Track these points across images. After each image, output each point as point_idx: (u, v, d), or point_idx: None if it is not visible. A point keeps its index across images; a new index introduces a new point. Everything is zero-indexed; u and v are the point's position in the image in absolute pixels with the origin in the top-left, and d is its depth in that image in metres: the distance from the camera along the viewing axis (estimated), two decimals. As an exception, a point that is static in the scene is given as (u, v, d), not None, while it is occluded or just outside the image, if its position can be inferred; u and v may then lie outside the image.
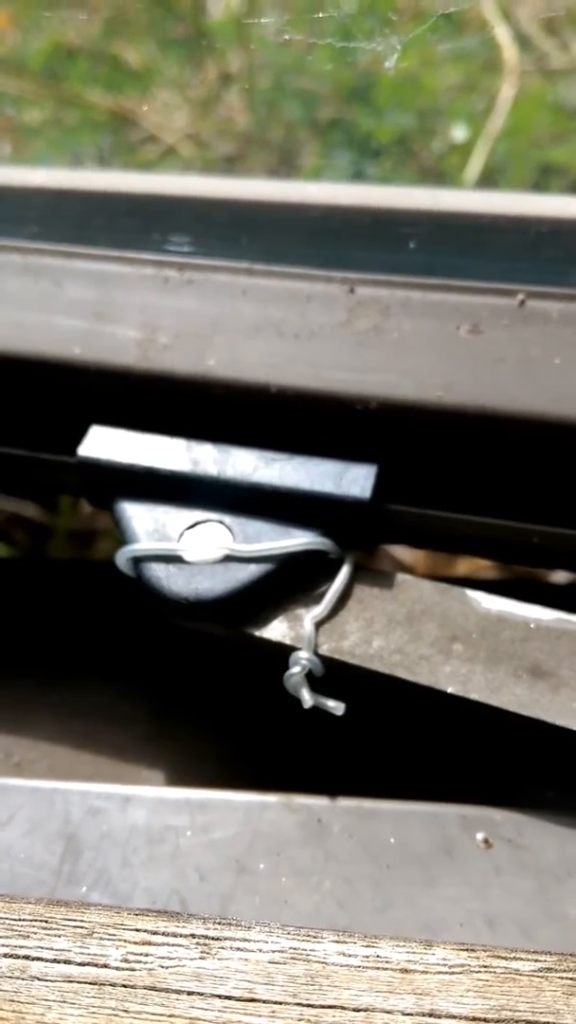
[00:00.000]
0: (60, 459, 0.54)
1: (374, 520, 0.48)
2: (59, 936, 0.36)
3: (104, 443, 0.50)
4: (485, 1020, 0.33)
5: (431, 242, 0.57)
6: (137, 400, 0.51)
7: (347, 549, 0.48)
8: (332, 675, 0.46)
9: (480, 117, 1.02)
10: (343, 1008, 0.34)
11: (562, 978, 0.34)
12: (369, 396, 0.48)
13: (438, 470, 0.49)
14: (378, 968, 0.35)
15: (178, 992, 0.34)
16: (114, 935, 0.36)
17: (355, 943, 0.36)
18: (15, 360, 0.52)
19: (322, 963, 0.35)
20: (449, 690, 0.44)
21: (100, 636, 0.61)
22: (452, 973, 0.35)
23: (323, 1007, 0.34)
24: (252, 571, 0.47)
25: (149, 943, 0.36)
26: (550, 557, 0.54)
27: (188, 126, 1.12)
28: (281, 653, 0.46)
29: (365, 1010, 0.34)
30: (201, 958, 0.35)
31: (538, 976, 0.35)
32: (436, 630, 0.46)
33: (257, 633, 0.47)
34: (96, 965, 0.35)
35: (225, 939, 0.36)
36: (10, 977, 0.35)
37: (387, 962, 0.35)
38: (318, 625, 0.46)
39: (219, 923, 0.36)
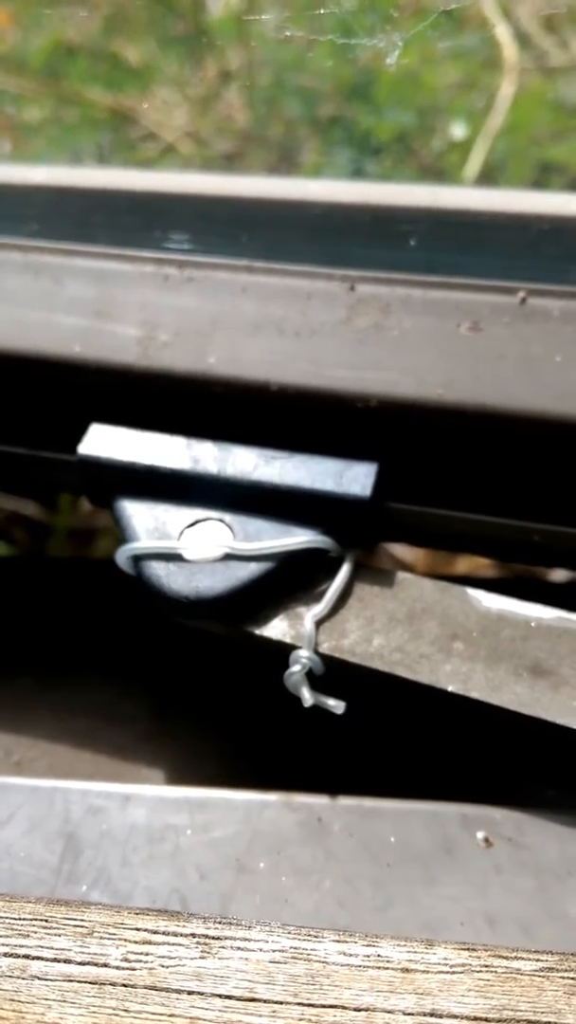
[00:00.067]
0: (60, 457, 0.54)
1: (374, 518, 0.48)
2: (59, 935, 0.36)
3: (104, 441, 0.50)
4: (486, 1020, 0.33)
5: (431, 239, 0.57)
6: (137, 398, 0.51)
7: (347, 547, 0.48)
8: (332, 674, 0.46)
9: (480, 115, 1.02)
10: (344, 1008, 0.34)
11: (563, 978, 0.34)
12: (369, 394, 0.48)
13: (439, 468, 0.49)
14: (379, 968, 0.35)
15: (178, 992, 0.34)
16: (114, 934, 0.36)
17: (356, 942, 0.36)
18: (15, 358, 0.52)
19: (323, 962, 0.35)
20: (449, 688, 0.44)
21: (100, 634, 0.61)
22: (453, 973, 0.35)
23: (324, 1007, 0.34)
24: (252, 569, 0.47)
25: (149, 942, 0.36)
26: (550, 555, 0.54)
27: (188, 124, 1.12)
28: (281, 651, 0.46)
29: (366, 1010, 0.34)
30: (201, 957, 0.35)
31: (539, 976, 0.34)
32: (436, 628, 0.46)
33: (257, 631, 0.47)
34: (96, 964, 0.35)
35: (226, 938, 0.36)
36: (10, 976, 0.35)
37: (388, 961, 0.35)
38: (318, 623, 0.46)
39: (219, 922, 0.36)
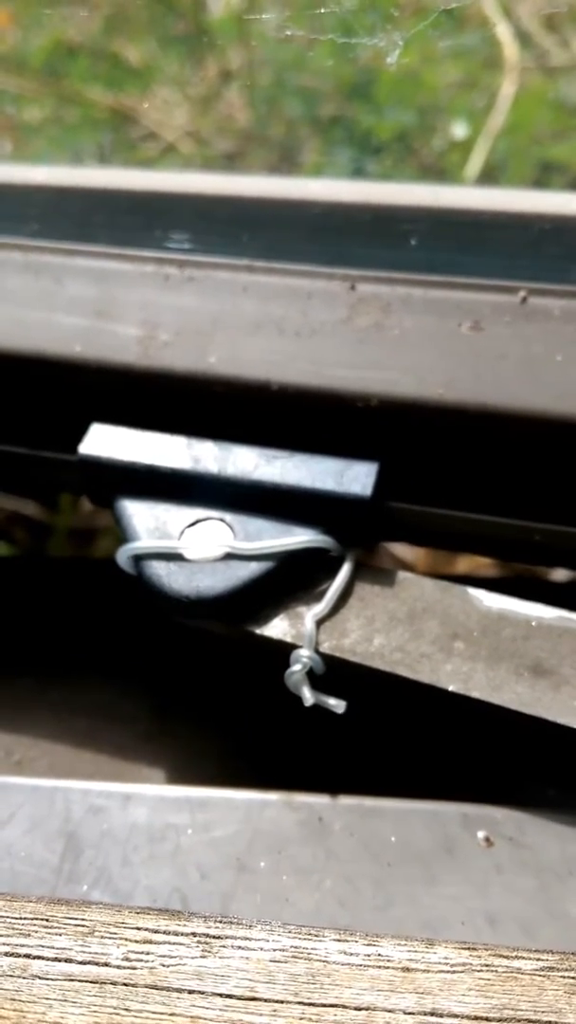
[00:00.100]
0: (61, 457, 0.54)
1: (375, 518, 0.48)
2: (60, 935, 0.36)
3: (105, 441, 0.50)
4: (487, 1019, 0.33)
5: (432, 239, 0.57)
6: (138, 398, 0.51)
7: (348, 547, 0.48)
8: (333, 673, 0.46)
9: (481, 114, 1.02)
10: (344, 1007, 0.34)
11: (564, 977, 0.34)
12: (370, 393, 0.48)
13: (439, 468, 0.49)
14: (380, 967, 0.35)
15: (179, 991, 0.34)
16: (115, 934, 0.36)
17: (356, 942, 0.36)
18: (16, 358, 0.52)
19: (323, 962, 0.35)
20: (450, 688, 0.44)
21: (100, 634, 0.61)
22: (454, 972, 0.35)
23: (324, 1006, 0.34)
24: (253, 569, 0.47)
25: (150, 941, 0.36)
26: (551, 555, 0.54)
27: (188, 123, 1.12)
28: (282, 651, 0.46)
29: (367, 1009, 0.34)
30: (202, 957, 0.35)
31: (540, 975, 0.34)
32: (437, 628, 0.46)
33: (258, 631, 0.47)
34: (97, 964, 0.35)
35: (226, 937, 0.36)
36: (11, 976, 0.35)
37: (389, 961, 0.35)
38: (319, 623, 0.46)
39: (220, 922, 0.36)
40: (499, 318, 0.49)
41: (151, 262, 0.54)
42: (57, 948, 0.36)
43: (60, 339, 0.52)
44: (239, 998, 0.34)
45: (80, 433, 0.50)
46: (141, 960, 0.35)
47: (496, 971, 0.35)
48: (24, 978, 0.35)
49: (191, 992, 0.34)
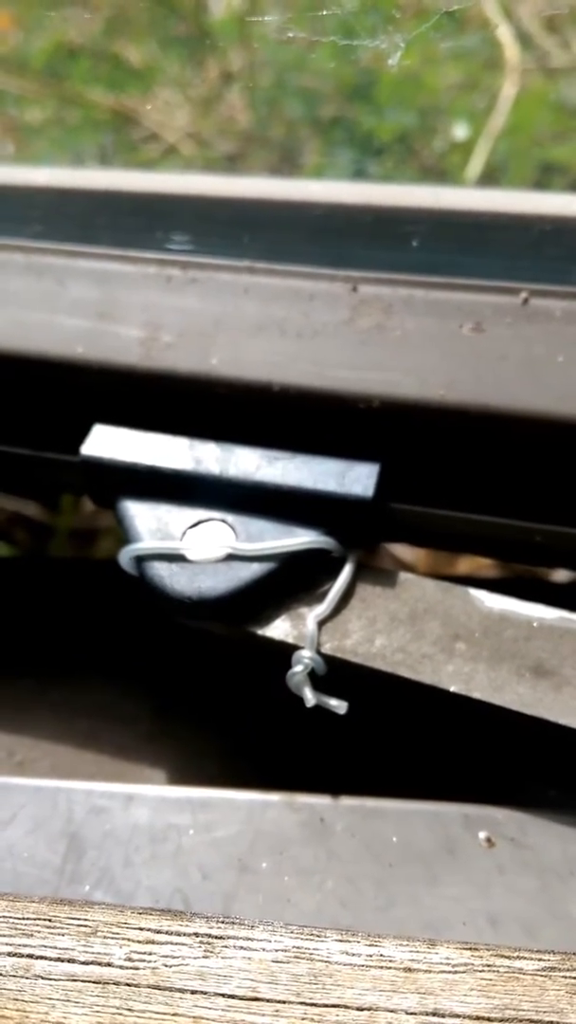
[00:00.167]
0: (63, 458, 0.54)
1: (377, 519, 0.48)
2: (63, 935, 0.36)
3: (107, 442, 0.50)
4: (489, 1019, 0.33)
5: (433, 240, 0.57)
6: (140, 399, 0.51)
7: (350, 548, 0.48)
8: (335, 674, 0.46)
9: (481, 115, 1.02)
10: (347, 1007, 0.34)
11: (566, 977, 0.34)
12: (372, 394, 0.48)
13: (441, 469, 0.49)
14: (381, 967, 0.35)
15: (182, 991, 0.34)
16: (118, 934, 0.36)
17: (358, 942, 0.36)
18: (18, 359, 0.52)
19: (325, 962, 0.35)
20: (452, 689, 0.44)
21: (102, 635, 0.61)
22: (455, 972, 0.35)
23: (327, 1006, 0.34)
24: (255, 570, 0.47)
25: (152, 942, 0.36)
26: (552, 556, 0.54)
27: (190, 125, 1.12)
28: (284, 652, 0.46)
29: (369, 1009, 0.34)
30: (204, 957, 0.35)
31: (542, 975, 0.35)
32: (439, 629, 0.46)
33: (260, 632, 0.47)
34: (100, 964, 0.35)
35: (228, 938, 0.36)
36: (14, 976, 0.35)
37: (390, 961, 0.35)
38: (321, 624, 0.46)
39: (222, 922, 0.36)
40: (500, 319, 0.49)
41: (153, 264, 0.54)
42: (60, 948, 0.36)
43: (62, 340, 0.52)
44: (241, 998, 0.34)
45: (82, 434, 0.50)
46: (144, 960, 0.35)
47: (498, 971, 0.35)
48: (27, 978, 0.35)
49: (193, 992, 0.34)
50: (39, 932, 0.36)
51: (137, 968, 0.35)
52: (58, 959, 0.35)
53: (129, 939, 0.36)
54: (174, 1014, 0.34)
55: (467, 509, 0.51)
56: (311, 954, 0.35)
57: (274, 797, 0.46)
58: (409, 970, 0.35)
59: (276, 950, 0.35)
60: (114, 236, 0.59)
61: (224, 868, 0.44)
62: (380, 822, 0.45)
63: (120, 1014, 0.34)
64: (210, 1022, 0.33)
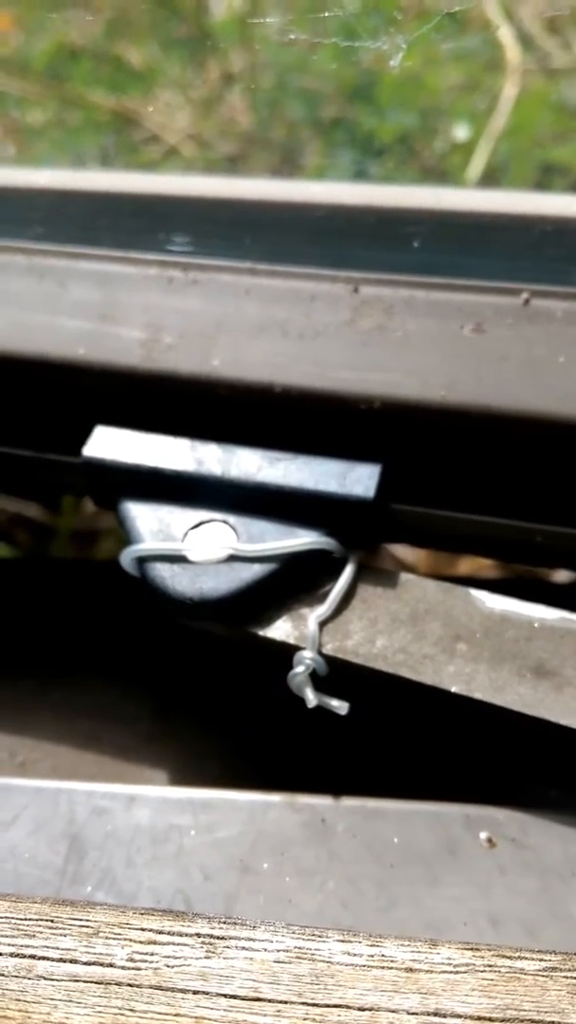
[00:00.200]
0: (65, 459, 0.54)
1: (378, 519, 0.48)
2: (65, 935, 0.36)
3: (109, 443, 0.50)
4: (490, 1019, 0.33)
5: (434, 241, 0.57)
6: (141, 400, 0.51)
7: (351, 548, 0.48)
8: (336, 674, 0.46)
9: (482, 116, 1.02)
10: (348, 1007, 0.34)
11: (567, 977, 0.34)
12: (373, 395, 0.48)
13: (442, 469, 0.49)
14: (383, 967, 0.35)
15: (184, 991, 0.34)
16: (119, 934, 0.36)
17: (360, 942, 0.36)
18: (20, 361, 0.52)
19: (327, 962, 0.35)
20: (453, 689, 0.44)
21: (103, 636, 0.61)
22: (457, 972, 0.35)
23: (328, 1006, 0.34)
24: (256, 571, 0.47)
25: (154, 942, 0.36)
26: (553, 556, 0.54)
27: (191, 126, 1.12)
28: (285, 652, 0.46)
29: (370, 1009, 0.34)
30: (206, 957, 0.35)
31: (543, 975, 0.35)
32: (440, 629, 0.46)
33: (261, 633, 0.47)
34: (102, 964, 0.35)
35: (230, 938, 0.36)
36: (16, 976, 0.35)
37: (392, 961, 0.35)
38: (322, 624, 0.46)
39: (224, 922, 0.37)
40: (501, 320, 0.49)
41: (154, 265, 0.54)
42: (62, 949, 0.36)
43: (64, 342, 0.52)
44: (243, 998, 0.34)
45: (84, 435, 0.50)
46: (145, 961, 0.35)
47: (499, 971, 0.35)
48: (29, 979, 0.35)
49: (195, 992, 0.34)
50: (41, 933, 0.36)
51: (139, 968, 0.35)
52: (60, 960, 0.35)
53: (131, 939, 0.36)
54: (176, 1014, 0.34)
55: (468, 510, 0.51)
56: (313, 954, 0.35)
57: (275, 798, 0.46)
58: (411, 970, 0.35)
59: (278, 950, 0.35)
60: (115, 238, 0.59)
61: (226, 869, 0.44)
62: (381, 823, 0.45)
63: (122, 1014, 0.34)
64: (212, 1022, 0.33)
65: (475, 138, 1.01)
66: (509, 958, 0.35)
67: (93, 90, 1.10)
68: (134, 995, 0.34)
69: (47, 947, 0.36)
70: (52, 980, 0.35)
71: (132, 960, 0.35)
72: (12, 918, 0.37)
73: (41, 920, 0.37)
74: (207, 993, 0.34)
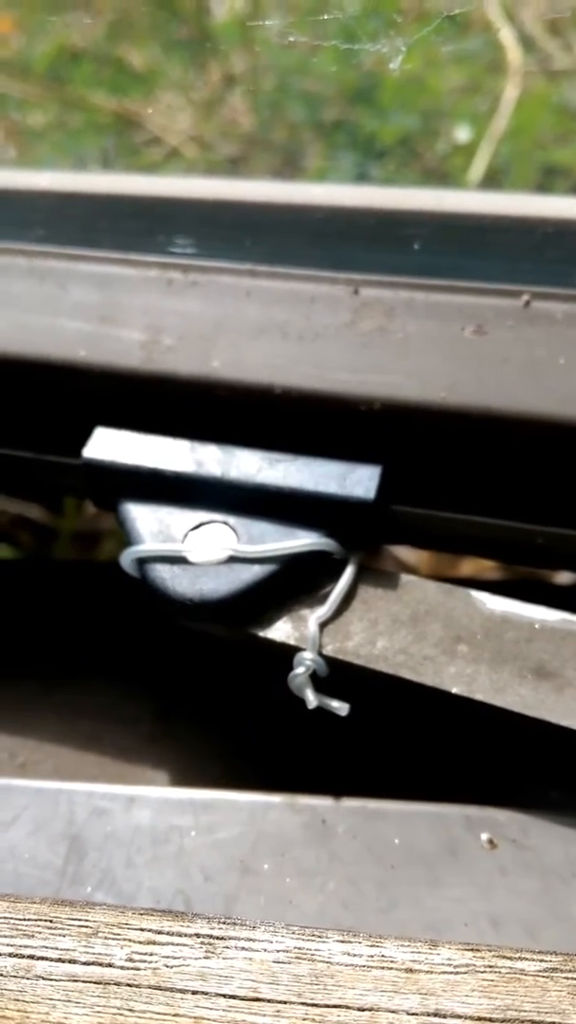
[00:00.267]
0: (65, 461, 0.54)
1: (378, 521, 0.48)
2: (64, 936, 0.36)
3: (109, 445, 0.50)
4: (490, 1020, 0.33)
5: (435, 243, 0.57)
6: (141, 402, 0.51)
7: (351, 550, 0.48)
8: (336, 675, 0.46)
9: (484, 118, 1.02)
10: (348, 1007, 0.34)
11: (567, 978, 0.34)
12: (373, 397, 0.48)
13: (442, 471, 0.49)
14: (383, 968, 0.35)
15: (183, 991, 0.34)
16: (119, 935, 0.36)
17: (360, 943, 0.36)
18: (20, 362, 0.52)
19: (327, 963, 0.35)
20: (454, 691, 0.44)
21: (104, 637, 0.61)
22: (457, 973, 0.35)
23: (328, 1006, 0.34)
24: (256, 572, 0.47)
25: (154, 942, 0.36)
26: (554, 558, 0.54)
27: (192, 128, 1.12)
28: (285, 654, 0.46)
29: (370, 1009, 0.34)
30: (206, 957, 0.35)
31: (543, 976, 0.35)
32: (440, 631, 0.46)
33: (261, 634, 0.47)
34: (101, 964, 0.35)
35: (230, 939, 0.36)
36: (15, 976, 0.35)
37: (392, 962, 0.35)
38: (322, 626, 0.46)
39: (224, 922, 0.37)
40: (502, 322, 0.49)
41: (155, 267, 0.54)
42: (61, 949, 0.36)
43: (64, 344, 0.52)
44: (242, 999, 0.34)
45: (84, 437, 0.51)
46: (145, 961, 0.35)
47: (499, 972, 0.35)
48: (28, 979, 0.35)
49: (195, 993, 0.34)
50: (40, 933, 0.36)
51: (138, 969, 0.35)
52: (59, 960, 0.35)
53: (130, 940, 0.36)
54: (175, 1015, 0.34)
55: (469, 511, 0.51)
56: (312, 955, 0.35)
57: (276, 799, 0.46)
58: (410, 971, 0.35)
59: (277, 951, 0.35)
60: (116, 240, 0.59)
61: (226, 869, 0.44)
62: (382, 823, 0.45)
63: (121, 1014, 0.34)
64: (211, 1022, 0.33)
65: (477, 140, 1.01)
66: (509, 959, 0.35)
67: (94, 92, 1.10)
68: (133, 995, 0.34)
69: (46, 947, 0.36)
70: (51, 980, 0.35)
71: (131, 960, 0.35)
72: (11, 918, 0.37)
73: (40, 920, 0.37)
74: (206, 993, 0.34)
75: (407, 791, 0.47)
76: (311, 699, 0.46)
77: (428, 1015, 0.33)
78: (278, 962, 0.35)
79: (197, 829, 0.45)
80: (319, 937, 0.36)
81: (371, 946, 0.36)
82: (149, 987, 0.34)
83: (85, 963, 0.35)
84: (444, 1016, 0.33)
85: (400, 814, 0.46)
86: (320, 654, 0.46)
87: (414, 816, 0.45)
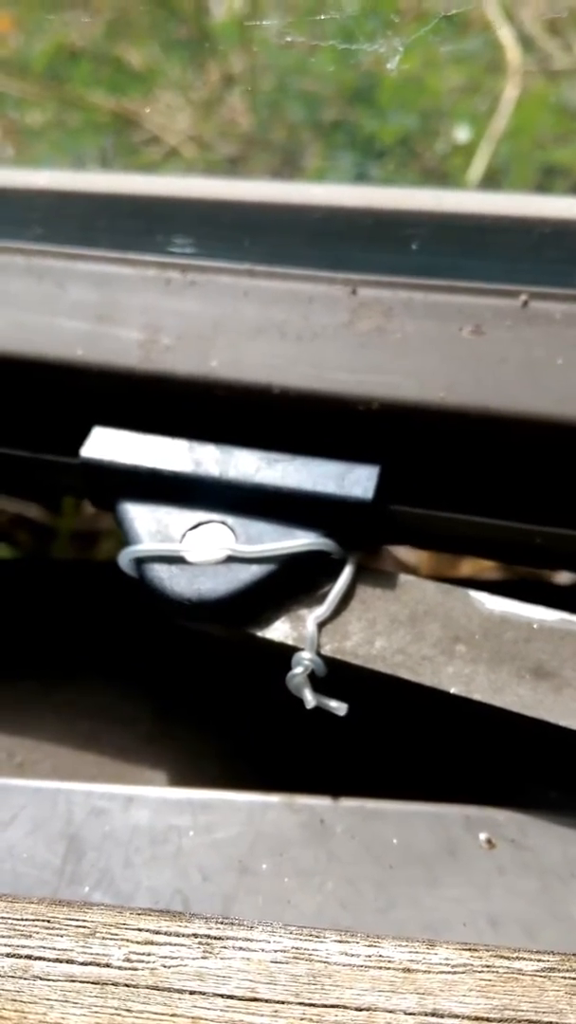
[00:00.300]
0: (63, 460, 0.54)
1: (377, 521, 0.48)
2: (61, 936, 0.36)
3: (107, 444, 0.50)
4: (488, 1020, 0.33)
5: (434, 243, 0.57)
6: (139, 401, 0.51)
7: (349, 550, 0.48)
8: (335, 675, 0.46)
9: (483, 118, 1.02)
10: (345, 1008, 0.34)
11: (565, 978, 0.34)
12: (371, 397, 0.48)
13: (441, 471, 0.49)
14: (380, 968, 0.35)
15: (180, 992, 0.34)
16: (116, 935, 0.36)
17: (357, 942, 0.36)
18: (18, 362, 0.52)
19: (324, 963, 0.35)
20: (452, 691, 0.44)
21: (103, 637, 0.61)
22: (455, 973, 0.35)
23: (325, 1006, 0.34)
24: (254, 572, 0.47)
25: (152, 943, 0.36)
26: (553, 558, 0.54)
27: (191, 128, 1.12)
28: (284, 654, 0.46)
29: (367, 1009, 0.34)
30: (203, 957, 0.35)
31: (541, 976, 0.35)
32: (439, 631, 0.46)
33: (259, 634, 0.47)
34: (98, 965, 0.35)
35: (227, 939, 0.36)
36: (12, 977, 0.35)
37: (389, 962, 0.35)
38: (320, 625, 0.46)
39: (221, 922, 0.36)
40: (500, 322, 0.49)
41: (153, 266, 0.54)
42: (58, 949, 0.36)
43: (62, 343, 0.52)
44: (240, 999, 0.34)
45: (82, 436, 0.51)
46: (142, 961, 0.35)
47: (497, 972, 0.35)
48: (25, 979, 0.35)
49: (192, 993, 0.34)
50: (38, 933, 0.36)
51: (136, 969, 0.35)
52: (57, 960, 0.35)
53: (128, 940, 0.36)
54: (172, 1015, 0.34)
55: (467, 511, 0.51)
56: (310, 955, 0.35)
57: (274, 798, 0.46)
58: (408, 971, 0.35)
59: (275, 951, 0.35)
60: (114, 239, 0.59)
61: (224, 869, 0.44)
62: (380, 823, 0.45)
63: (119, 1015, 0.34)
64: (209, 1022, 0.33)
65: (476, 140, 1.01)
66: (507, 959, 0.35)
67: (93, 91, 1.10)
68: (131, 995, 0.34)
69: (43, 947, 0.36)
70: (48, 980, 0.35)
71: (129, 960, 0.35)
72: (9, 918, 0.37)
73: (38, 920, 0.37)
74: (204, 993, 0.34)
75: (405, 791, 0.47)
76: (309, 699, 0.46)
77: (426, 1015, 0.33)
78: (276, 962, 0.35)
79: (195, 829, 0.45)
80: (317, 937, 0.36)
81: (369, 946, 0.36)
82: (147, 987, 0.34)
83: (83, 963, 0.35)
84: (442, 1016, 0.33)
85: (398, 814, 0.46)
86: (318, 654, 0.46)
87: (412, 816, 0.45)
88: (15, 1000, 0.34)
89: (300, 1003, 0.34)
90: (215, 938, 0.36)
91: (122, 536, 0.49)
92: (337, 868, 0.44)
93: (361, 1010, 0.34)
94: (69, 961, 0.35)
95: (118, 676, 0.58)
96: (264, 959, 0.35)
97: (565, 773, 0.47)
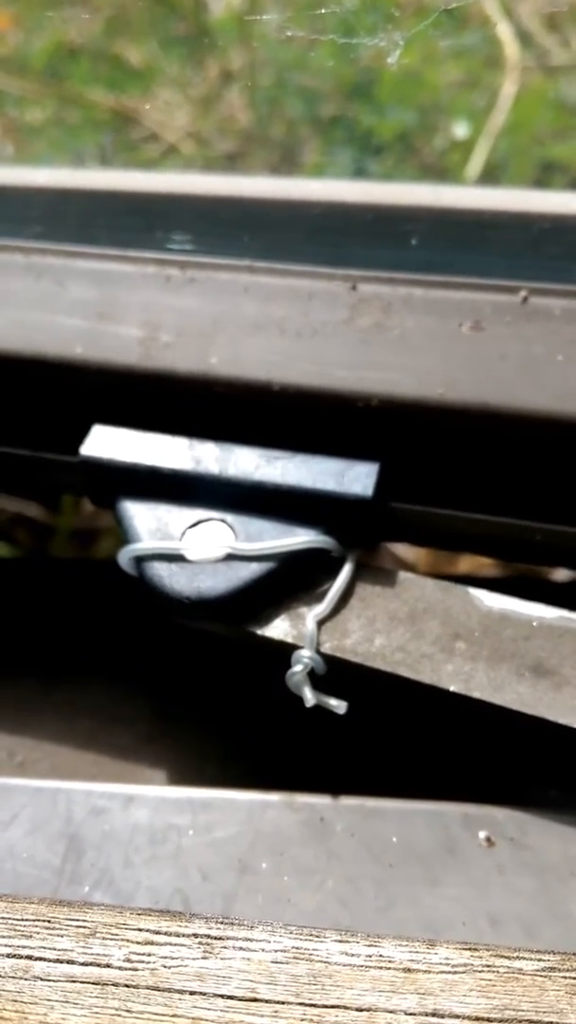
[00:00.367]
0: (62, 459, 0.54)
1: (376, 518, 0.48)
2: (62, 936, 0.36)
3: (106, 442, 0.50)
4: (488, 1020, 0.33)
5: (433, 239, 0.57)
6: (139, 399, 0.51)
7: (349, 547, 0.48)
8: (334, 673, 0.46)
9: (482, 114, 1.02)
10: (346, 1008, 0.34)
11: (565, 977, 0.34)
12: (371, 393, 0.48)
13: (440, 468, 0.49)
14: (381, 967, 0.35)
15: (181, 992, 0.34)
16: (117, 935, 0.36)
17: (358, 942, 0.36)
18: (17, 360, 0.52)
19: (325, 962, 0.35)
20: (451, 688, 0.44)
21: (102, 635, 0.61)
22: (455, 972, 0.35)
23: (326, 1007, 0.34)
24: (254, 569, 0.47)
25: (152, 943, 0.36)
26: (552, 555, 0.54)
27: (190, 124, 1.12)
28: (283, 652, 0.46)
29: (368, 1010, 0.34)
30: (204, 958, 0.35)
31: (541, 975, 0.34)
32: (438, 628, 0.46)
33: (259, 632, 0.47)
34: (99, 965, 0.35)
35: (228, 939, 0.36)
36: (13, 977, 0.35)
37: (390, 961, 0.35)
38: (320, 623, 0.46)
39: (222, 922, 0.36)
40: (500, 318, 0.49)
41: (152, 263, 0.54)
42: (59, 949, 0.36)
43: (62, 341, 0.52)
44: (240, 999, 0.34)
45: (81, 434, 0.50)
46: (143, 961, 0.35)
47: (497, 971, 0.35)
48: (26, 979, 0.35)
49: (192, 993, 0.34)
50: (38, 933, 0.36)
51: (136, 969, 0.35)
52: (57, 960, 0.35)
53: (128, 940, 0.36)
54: (173, 1015, 0.34)
55: (467, 508, 0.51)
56: (310, 955, 0.35)
57: (274, 797, 0.46)
58: (408, 970, 0.35)
59: (275, 951, 0.35)
60: (113, 236, 0.59)
61: (224, 868, 0.44)
62: (380, 822, 0.45)
63: (119, 1015, 0.34)
64: (209, 1023, 0.33)
65: (475, 135, 1.01)
66: (507, 958, 0.35)
67: (92, 88, 1.10)
68: (131, 996, 0.34)
69: (44, 948, 0.36)
70: (49, 981, 0.35)
71: (129, 960, 0.35)
72: (9, 918, 0.37)
73: (38, 920, 0.36)
74: (204, 994, 0.34)
75: (405, 789, 0.47)
76: (309, 697, 0.46)
77: (426, 1015, 0.33)
78: (276, 962, 0.35)
79: (195, 828, 0.45)
80: (317, 937, 0.36)
81: (369, 946, 0.35)
82: (147, 988, 0.34)
83: (83, 963, 0.35)
84: (442, 1016, 0.33)
85: (398, 812, 0.45)
86: (318, 652, 0.46)
87: (412, 814, 0.45)
88: (16, 1001, 0.34)
89: (300, 1003, 0.34)
90: (215, 938, 0.36)
91: (121, 534, 0.49)
92: (337, 867, 0.44)
93: (361, 1010, 0.34)
94: (69, 961, 0.35)
95: (118, 675, 0.58)
96: (264, 959, 0.35)
97: (565, 771, 0.47)
